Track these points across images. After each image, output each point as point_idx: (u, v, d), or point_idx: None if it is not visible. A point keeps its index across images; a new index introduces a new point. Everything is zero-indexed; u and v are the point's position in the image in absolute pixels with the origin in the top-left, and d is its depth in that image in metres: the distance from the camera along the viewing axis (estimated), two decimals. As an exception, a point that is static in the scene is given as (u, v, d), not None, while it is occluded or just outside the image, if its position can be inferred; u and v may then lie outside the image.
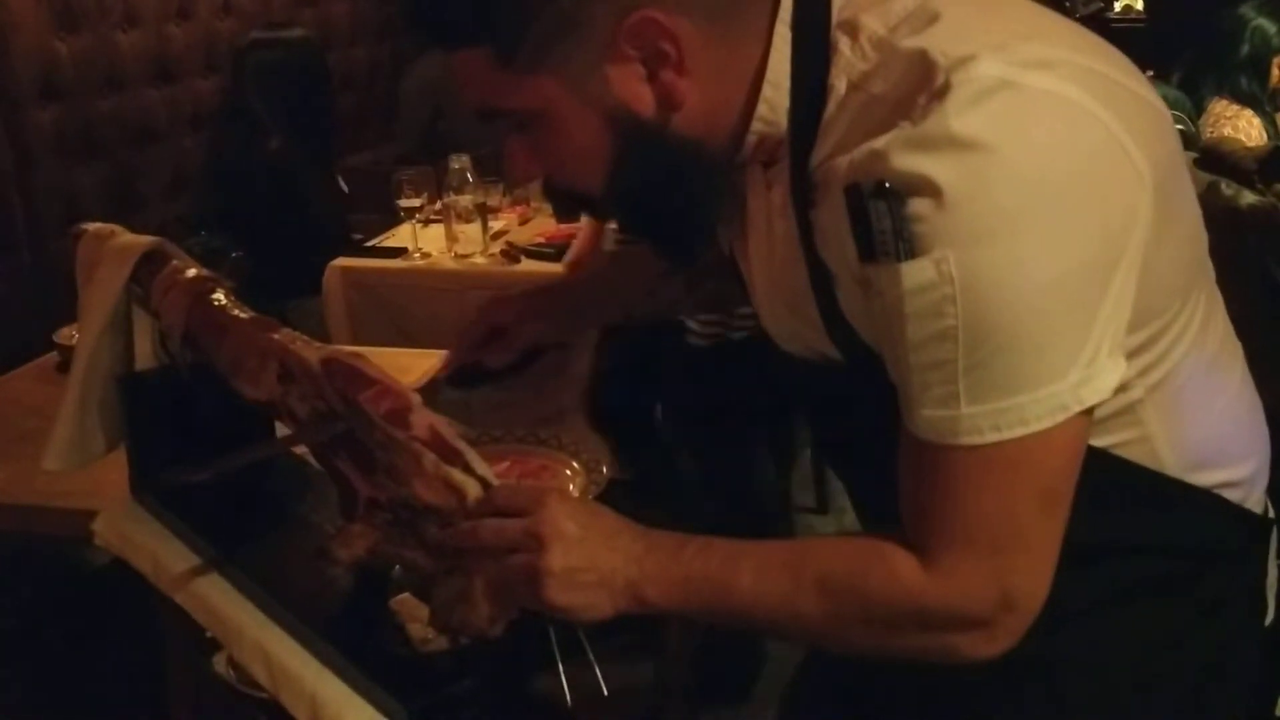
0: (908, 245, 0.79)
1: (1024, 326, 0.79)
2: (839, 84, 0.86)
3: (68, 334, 2.23)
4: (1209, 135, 3.22)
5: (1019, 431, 0.81)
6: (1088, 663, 0.98)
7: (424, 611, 1.04)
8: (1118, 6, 6.09)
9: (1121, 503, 0.94)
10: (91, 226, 1.40)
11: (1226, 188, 2.14)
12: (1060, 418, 0.81)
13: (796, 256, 0.92)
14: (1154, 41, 4.48)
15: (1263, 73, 3.47)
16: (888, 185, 0.79)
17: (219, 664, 1.42)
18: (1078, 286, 0.79)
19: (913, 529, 0.87)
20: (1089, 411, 0.83)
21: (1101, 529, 0.92)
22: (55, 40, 3.37)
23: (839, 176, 0.83)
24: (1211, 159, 2.29)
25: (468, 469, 0.99)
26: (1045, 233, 0.77)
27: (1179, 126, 3.24)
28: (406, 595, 1.05)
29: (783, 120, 0.90)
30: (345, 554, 1.05)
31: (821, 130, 0.87)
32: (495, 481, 1.00)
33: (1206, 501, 0.96)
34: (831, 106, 0.86)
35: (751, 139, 0.92)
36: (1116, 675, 0.99)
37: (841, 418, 1.04)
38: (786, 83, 0.89)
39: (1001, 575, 0.85)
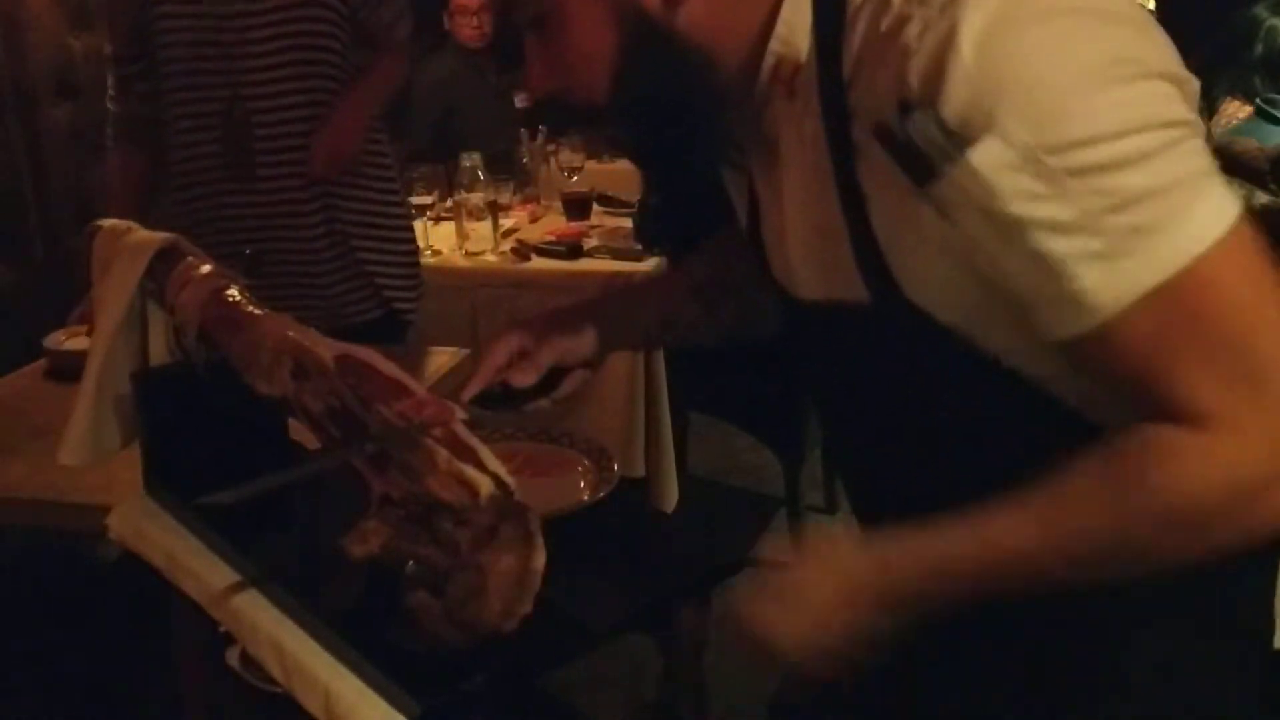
0: (961, 138, 0.77)
1: (1121, 174, 0.76)
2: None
3: (57, 339, 2.23)
4: (1221, 135, 3.21)
5: (1196, 248, 0.77)
6: (1087, 675, 0.96)
7: (437, 607, 1.04)
8: (1130, 6, 6.07)
9: None
10: (106, 223, 1.41)
11: (1239, 188, 2.14)
12: (1223, 217, 0.79)
13: (829, 188, 0.89)
14: (1166, 40, 4.46)
15: (1276, 74, 3.45)
16: (909, 100, 0.78)
17: (232, 658, 1.42)
18: (1149, 100, 0.78)
19: (1160, 410, 0.79)
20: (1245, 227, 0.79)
21: None
22: (70, 38, 3.38)
23: (869, 104, 0.83)
24: (1224, 159, 2.28)
25: (481, 465, 0.99)
26: (1094, 19, 0.79)
27: (1191, 126, 3.25)
28: (420, 591, 1.05)
29: (802, 43, 0.88)
30: (359, 550, 1.05)
31: (846, 51, 0.85)
32: (509, 478, 1.00)
33: None
34: (859, 28, 0.85)
35: (769, 61, 0.90)
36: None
37: (848, 393, 1.02)
38: (808, 3, 0.88)
39: (1276, 401, 0.78)
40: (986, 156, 0.76)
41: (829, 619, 0.88)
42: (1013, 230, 0.79)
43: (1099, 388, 0.84)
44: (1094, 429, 0.86)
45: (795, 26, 0.88)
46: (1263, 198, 2.10)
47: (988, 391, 0.90)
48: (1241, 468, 0.79)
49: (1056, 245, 0.78)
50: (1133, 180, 0.77)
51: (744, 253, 1.11)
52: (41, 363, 2.26)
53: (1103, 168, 0.76)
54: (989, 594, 0.86)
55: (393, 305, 2.46)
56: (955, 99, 0.76)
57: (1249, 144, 2.25)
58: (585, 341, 1.26)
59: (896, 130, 0.79)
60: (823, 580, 0.89)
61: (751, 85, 0.93)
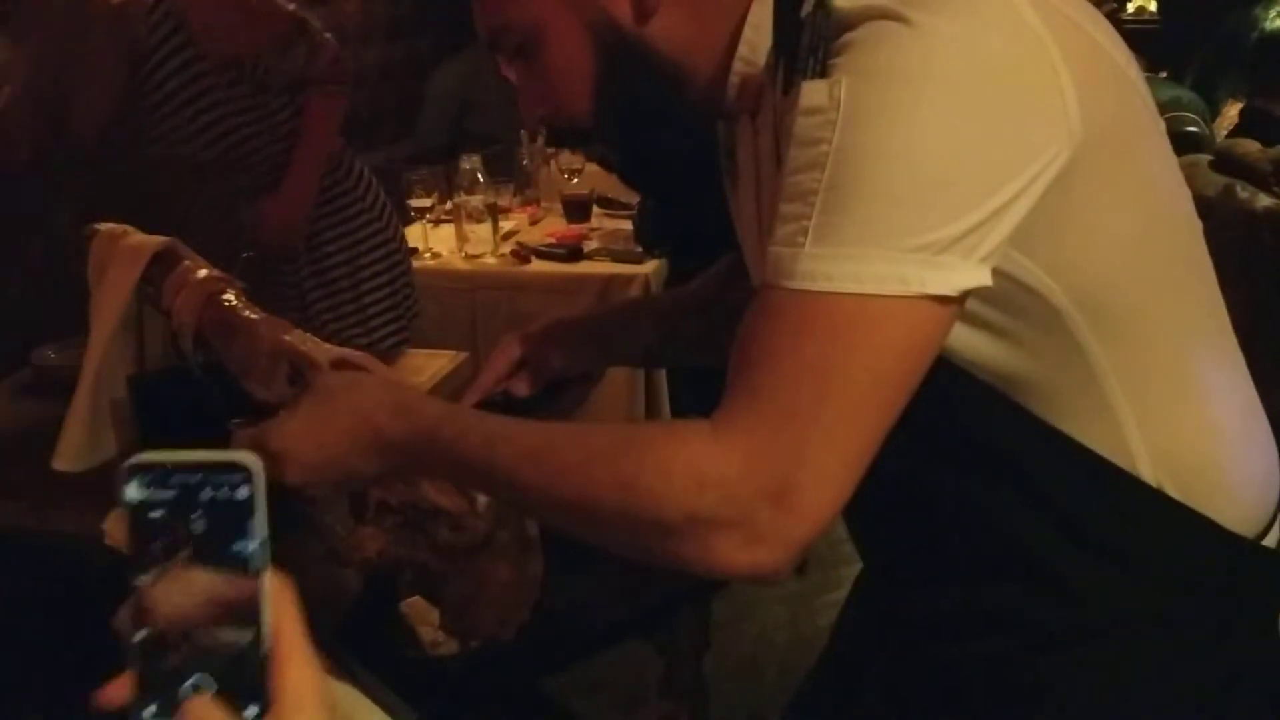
0: (818, 66, 0.79)
1: (887, 178, 0.76)
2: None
3: (43, 354, 2.22)
4: (1223, 138, 3.20)
5: (851, 287, 0.75)
6: (1091, 691, 0.93)
7: (434, 614, 1.04)
8: (1131, 8, 6.07)
9: (1100, 513, 0.89)
10: (104, 226, 1.41)
11: (1242, 190, 2.13)
12: (897, 289, 0.75)
13: (768, 200, 0.91)
14: (1167, 43, 4.47)
15: (1270, 69, 3.45)
16: (823, 6, 0.80)
17: (228, 665, 1.42)
18: (957, 165, 0.76)
19: (726, 386, 0.79)
20: (944, 310, 0.77)
21: (1084, 540, 0.89)
22: (68, 39, 3.38)
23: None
24: (1226, 161, 2.28)
25: (478, 472, 0.99)
26: (946, 107, 0.76)
27: (1192, 129, 3.25)
28: (417, 598, 1.05)
29: (761, 61, 0.90)
30: (356, 557, 1.04)
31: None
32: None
33: (1195, 523, 0.89)
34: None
35: (734, 80, 0.92)
36: (1115, 706, 0.93)
37: None
38: (768, 24, 0.89)
39: (791, 453, 0.75)
40: (813, 95, 0.78)
41: (337, 450, 0.89)
42: (785, 170, 0.80)
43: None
44: (1016, 407, 0.86)
45: (757, 46, 0.90)
46: (1265, 200, 2.09)
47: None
48: (710, 465, 0.76)
49: (794, 207, 0.78)
50: (877, 214, 0.76)
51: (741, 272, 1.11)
52: (27, 373, 2.24)
53: (861, 194, 0.76)
54: (478, 483, 0.91)
55: (377, 340, 2.46)
56: (841, 39, 0.79)
57: (1251, 147, 2.24)
58: (587, 354, 1.26)
59: (804, 17, 0.81)
60: (341, 414, 0.90)
61: (720, 102, 0.94)
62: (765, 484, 0.75)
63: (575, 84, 0.94)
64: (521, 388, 1.22)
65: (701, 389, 2.89)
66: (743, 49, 0.91)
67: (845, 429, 0.76)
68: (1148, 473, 0.88)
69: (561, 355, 1.23)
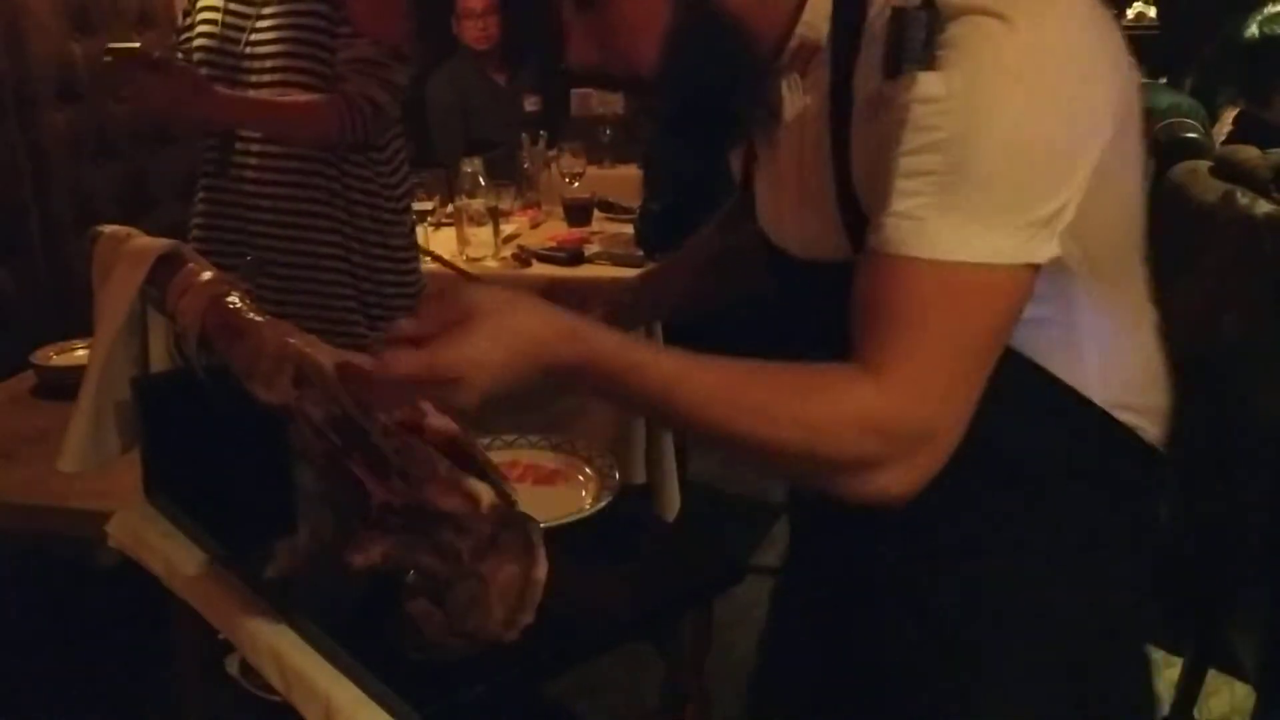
0: (931, 56, 0.88)
1: (1003, 161, 0.87)
2: None
3: (45, 355, 2.22)
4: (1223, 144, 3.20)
5: (982, 257, 0.88)
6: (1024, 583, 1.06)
7: (438, 616, 1.04)
8: (1130, 13, 6.06)
9: (1052, 424, 1.02)
10: (108, 229, 1.41)
11: (1242, 196, 2.13)
12: (1018, 259, 0.88)
13: (819, 157, 1.00)
14: (1167, 49, 4.47)
15: (1266, 73, 3.44)
16: (930, 2, 0.88)
17: (231, 666, 1.42)
18: (1052, 151, 0.89)
19: (861, 347, 0.90)
20: (1032, 274, 0.90)
21: (1034, 447, 1.02)
22: (71, 42, 3.38)
23: (877, 37, 0.93)
24: (1226, 167, 2.28)
25: (482, 474, 0.99)
26: (1043, 98, 0.88)
27: (1192, 135, 3.25)
28: (421, 600, 1.05)
29: (823, 27, 0.99)
30: (360, 558, 1.05)
31: (865, 40, 0.96)
32: (509, 488, 1.00)
33: (1124, 436, 1.04)
34: (872, 14, 0.95)
35: (794, 42, 1.00)
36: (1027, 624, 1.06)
37: (829, 347, 1.05)
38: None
39: (939, 403, 0.89)
40: (929, 86, 0.88)
41: (510, 373, 0.89)
42: (899, 149, 0.90)
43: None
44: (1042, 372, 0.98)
45: (819, 11, 0.99)
46: (1265, 207, 2.09)
47: None
48: (879, 412, 0.89)
49: (915, 182, 0.89)
50: (997, 195, 0.88)
51: (747, 214, 1.21)
52: (30, 374, 2.24)
53: (980, 176, 0.87)
54: (654, 415, 0.98)
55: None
56: (953, 32, 0.88)
57: (1251, 153, 2.24)
58: (614, 316, 1.30)
59: (906, 15, 0.89)
60: (511, 336, 0.89)
61: (775, 61, 1.02)
62: (920, 429, 0.89)
63: (647, 38, 0.99)
64: None
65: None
66: (808, 14, 0.99)
67: (971, 379, 0.90)
68: (1098, 398, 1.01)
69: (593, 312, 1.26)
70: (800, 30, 0.99)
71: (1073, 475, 1.05)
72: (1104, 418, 1.02)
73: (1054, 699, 1.07)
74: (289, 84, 2.22)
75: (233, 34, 2.24)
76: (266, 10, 2.22)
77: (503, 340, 0.87)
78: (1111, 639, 1.10)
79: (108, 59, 2.17)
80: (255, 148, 2.28)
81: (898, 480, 0.89)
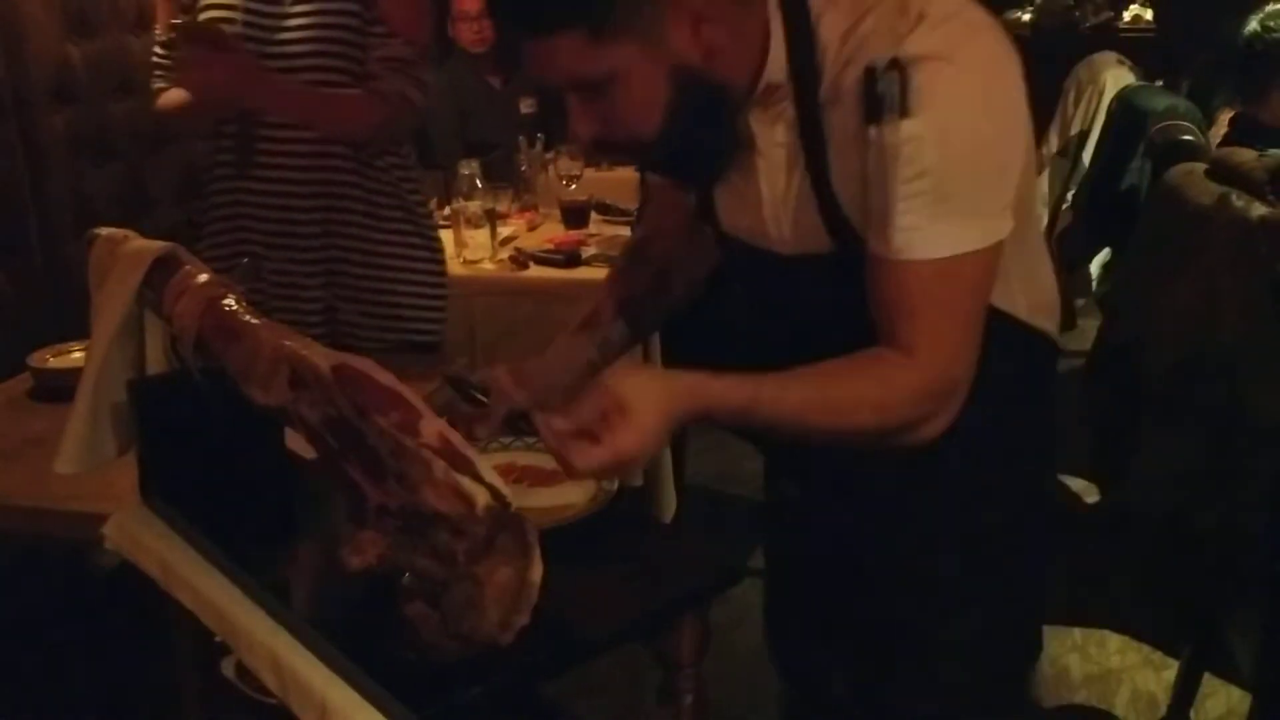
0: (906, 106, 1.10)
1: (972, 175, 1.13)
2: (832, 36, 1.15)
3: (41, 357, 2.21)
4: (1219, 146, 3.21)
5: (968, 247, 1.13)
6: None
7: (434, 618, 1.04)
8: (1127, 16, 6.06)
9: (999, 341, 1.21)
10: (105, 231, 1.41)
11: (1237, 199, 2.14)
12: (991, 240, 1.14)
13: (797, 171, 1.21)
14: (1163, 51, 4.48)
15: (1259, 75, 3.45)
16: (900, 60, 1.09)
17: (228, 669, 1.42)
18: (1005, 159, 1.16)
19: (892, 335, 1.15)
20: (1001, 246, 1.16)
21: (988, 364, 1.19)
22: (68, 44, 3.37)
23: (849, 88, 1.14)
24: (1222, 170, 2.28)
25: (477, 477, 0.99)
26: (996, 117, 1.14)
27: (1188, 137, 3.26)
28: (417, 602, 1.05)
29: (781, 69, 1.18)
30: (356, 561, 1.05)
31: (825, 70, 1.16)
32: (505, 490, 1.00)
33: (1042, 338, 1.31)
34: (830, 54, 1.16)
35: (761, 85, 1.19)
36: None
37: (809, 330, 1.25)
38: (784, 45, 1.17)
39: (959, 367, 1.16)
40: (910, 129, 1.10)
41: (667, 428, 1.11)
42: (893, 179, 1.12)
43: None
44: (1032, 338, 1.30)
45: (776, 58, 1.18)
46: (1260, 209, 2.10)
47: None
48: (920, 383, 1.16)
49: (911, 203, 1.12)
50: (975, 197, 1.14)
51: (679, 226, 1.46)
52: (27, 376, 2.24)
53: (960, 187, 1.13)
54: (761, 428, 1.17)
55: (409, 337, 2.42)
56: (918, 81, 1.10)
57: (1246, 155, 2.25)
58: (536, 393, 1.40)
59: (878, 74, 1.10)
60: (655, 417, 1.10)
61: (745, 100, 1.21)
62: (953, 386, 1.17)
63: (649, 113, 1.15)
64: (482, 431, 1.39)
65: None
66: (770, 63, 1.18)
67: (976, 334, 1.17)
68: (1023, 315, 1.27)
69: (511, 398, 1.40)
70: (767, 76, 1.18)
71: (1016, 378, 1.29)
72: (1029, 327, 1.28)
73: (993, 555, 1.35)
74: (323, 82, 2.21)
75: (256, 33, 2.22)
76: (296, 9, 2.21)
77: (656, 417, 1.09)
78: (1032, 502, 1.40)
79: (172, 35, 2.15)
80: (282, 146, 2.26)
81: (944, 424, 1.18)
